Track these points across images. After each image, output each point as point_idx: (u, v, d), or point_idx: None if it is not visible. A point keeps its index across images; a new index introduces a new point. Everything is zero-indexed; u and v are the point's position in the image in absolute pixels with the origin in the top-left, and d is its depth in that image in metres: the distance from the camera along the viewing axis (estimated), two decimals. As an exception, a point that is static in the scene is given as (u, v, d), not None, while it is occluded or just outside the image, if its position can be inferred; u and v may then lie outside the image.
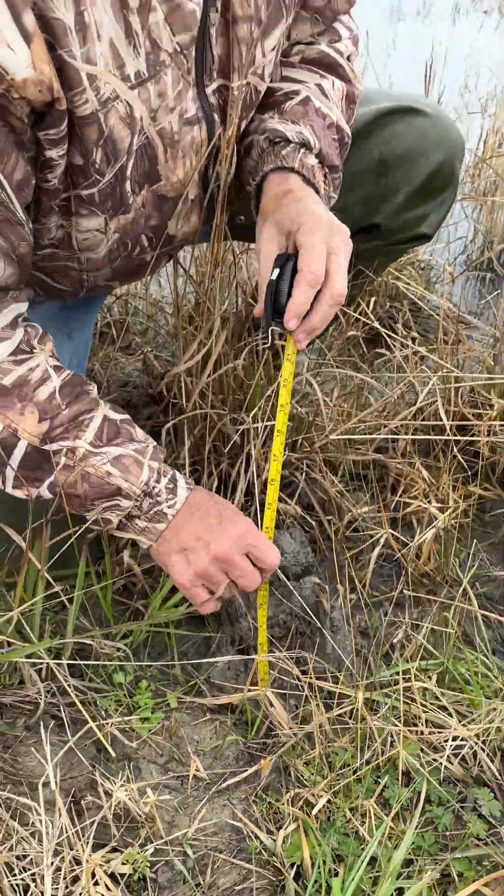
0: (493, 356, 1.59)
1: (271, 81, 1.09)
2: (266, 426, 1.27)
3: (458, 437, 1.41)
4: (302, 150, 1.05)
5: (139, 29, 0.85)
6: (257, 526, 1.03)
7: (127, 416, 1.03)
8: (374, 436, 1.41)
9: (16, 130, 0.82)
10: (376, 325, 1.54)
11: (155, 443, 1.03)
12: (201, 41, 0.92)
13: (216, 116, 1.00)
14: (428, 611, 1.24)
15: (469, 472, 1.47)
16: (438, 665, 1.09)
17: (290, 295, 0.94)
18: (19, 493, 0.98)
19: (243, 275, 1.65)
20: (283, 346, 1.02)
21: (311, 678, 1.03)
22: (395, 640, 1.17)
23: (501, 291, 2.16)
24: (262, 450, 1.28)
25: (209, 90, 0.97)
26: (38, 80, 0.79)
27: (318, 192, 1.05)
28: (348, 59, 1.15)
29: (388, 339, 1.58)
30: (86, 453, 0.96)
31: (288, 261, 0.95)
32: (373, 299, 1.79)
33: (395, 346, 1.58)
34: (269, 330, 0.99)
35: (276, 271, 0.95)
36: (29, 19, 0.76)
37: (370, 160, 1.31)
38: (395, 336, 1.59)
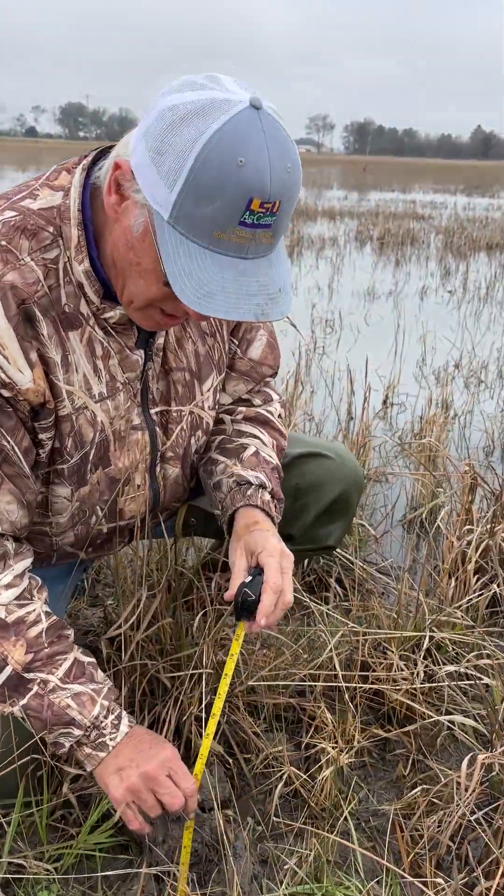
0: (397, 611, 1.88)
1: (226, 434, 1.53)
2: (192, 674, 1.55)
3: (356, 685, 1.67)
4: (261, 490, 1.45)
5: (102, 368, 1.28)
6: (190, 758, 1.28)
7: (93, 660, 1.31)
8: (285, 682, 1.67)
9: (21, 419, 1.22)
10: (306, 600, 1.85)
11: (111, 684, 1.30)
12: (144, 379, 1.34)
13: (158, 430, 1.40)
14: (318, 842, 1.44)
15: (374, 714, 1.72)
16: (314, 890, 1.28)
17: (256, 596, 1.26)
18: None
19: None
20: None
21: (201, 896, 1.23)
22: (286, 867, 1.37)
23: (403, 556, 2.49)
24: (189, 694, 1.55)
25: (153, 412, 1.38)
26: (36, 390, 1.21)
27: (272, 518, 1.43)
28: (279, 417, 1.59)
29: (314, 598, 1.89)
30: (54, 687, 1.24)
31: (259, 573, 1.29)
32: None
33: (329, 597, 1.87)
34: (236, 611, 1.28)
35: (249, 577, 1.29)
36: (33, 355, 1.19)
37: (288, 486, 1.69)
38: (328, 590, 1.90)
